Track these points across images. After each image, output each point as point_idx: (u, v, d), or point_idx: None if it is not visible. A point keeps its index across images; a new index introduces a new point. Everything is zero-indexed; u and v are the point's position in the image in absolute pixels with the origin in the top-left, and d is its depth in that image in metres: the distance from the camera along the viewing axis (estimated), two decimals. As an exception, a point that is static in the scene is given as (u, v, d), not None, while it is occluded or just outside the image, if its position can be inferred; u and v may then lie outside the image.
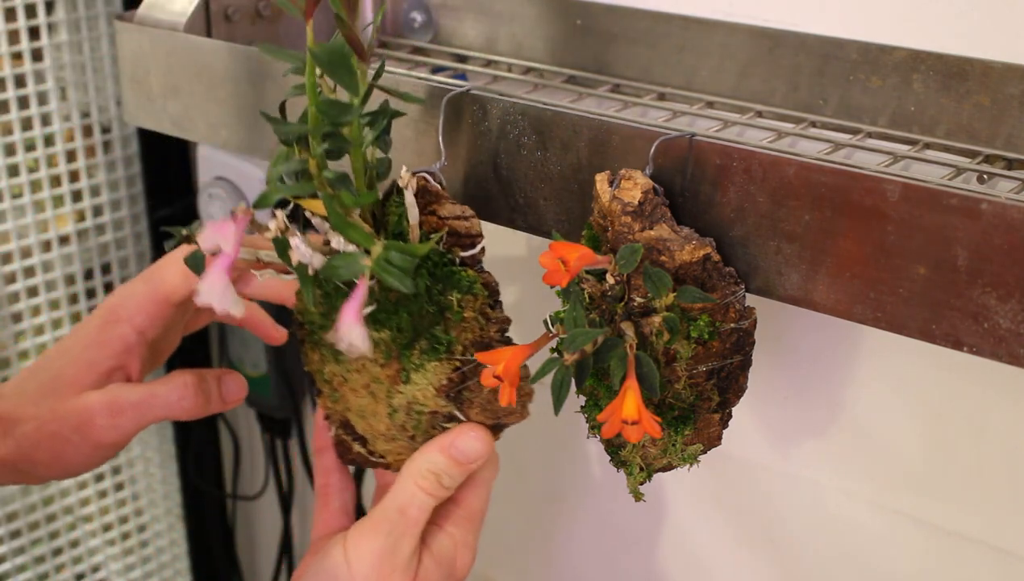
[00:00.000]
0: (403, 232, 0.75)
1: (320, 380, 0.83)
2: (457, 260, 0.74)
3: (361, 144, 0.71)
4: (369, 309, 0.76)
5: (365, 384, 0.80)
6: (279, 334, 0.92)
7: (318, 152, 0.69)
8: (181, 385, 0.84)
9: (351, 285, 0.71)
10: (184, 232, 0.75)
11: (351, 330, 0.67)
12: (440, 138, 0.78)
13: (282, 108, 0.74)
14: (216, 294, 0.68)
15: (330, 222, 0.71)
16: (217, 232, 0.68)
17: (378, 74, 0.73)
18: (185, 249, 0.76)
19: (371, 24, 0.75)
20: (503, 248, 0.98)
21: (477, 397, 0.77)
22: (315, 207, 0.73)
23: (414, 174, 0.75)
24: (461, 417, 0.78)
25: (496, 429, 0.79)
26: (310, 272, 0.72)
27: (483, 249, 0.75)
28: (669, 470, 0.76)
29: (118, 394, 0.83)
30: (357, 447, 0.84)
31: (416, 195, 0.74)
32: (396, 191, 0.76)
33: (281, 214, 0.71)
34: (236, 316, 0.69)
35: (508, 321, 0.76)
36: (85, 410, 0.82)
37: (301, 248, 0.71)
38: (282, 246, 0.72)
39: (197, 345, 1.41)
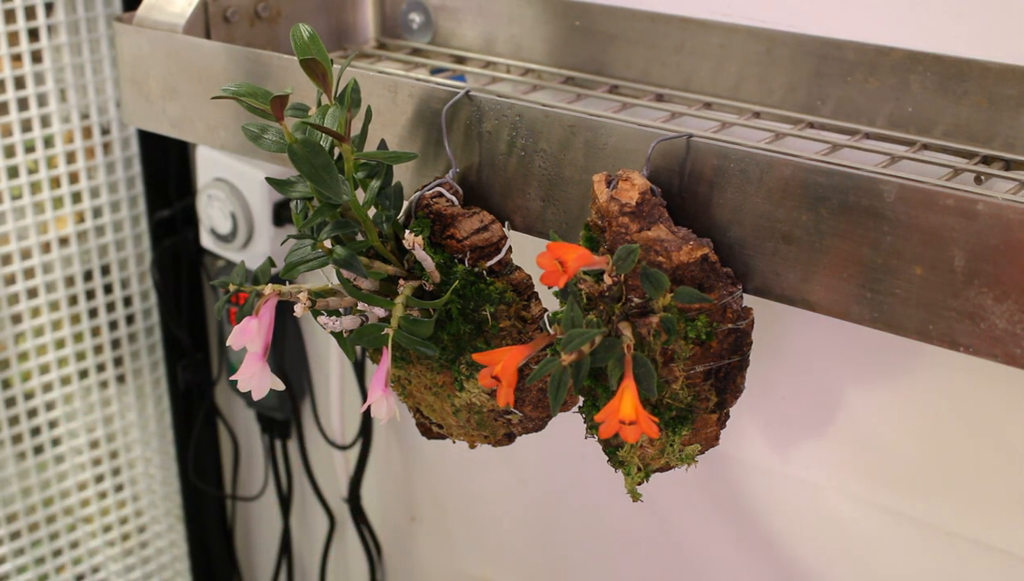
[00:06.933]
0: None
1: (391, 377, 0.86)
2: (484, 273, 0.75)
3: (363, 208, 0.74)
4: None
5: (427, 386, 0.83)
6: None
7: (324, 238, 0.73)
8: None
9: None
10: (233, 287, 0.77)
11: (378, 404, 0.74)
12: (448, 148, 0.79)
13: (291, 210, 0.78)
14: (255, 382, 0.75)
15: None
16: (244, 335, 0.74)
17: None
18: None
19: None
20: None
21: (528, 396, 0.79)
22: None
23: (426, 188, 0.77)
24: (518, 413, 0.80)
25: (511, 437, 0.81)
26: (344, 335, 0.76)
27: (509, 249, 0.76)
28: (667, 470, 0.76)
29: None
30: (436, 429, 0.87)
31: (432, 221, 0.76)
32: (413, 214, 0.78)
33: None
34: (278, 389, 0.76)
35: (544, 312, 0.77)
36: None
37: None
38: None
39: (198, 347, 1.42)
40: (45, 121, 1.23)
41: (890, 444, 0.92)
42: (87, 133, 1.27)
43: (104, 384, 1.37)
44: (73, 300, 1.31)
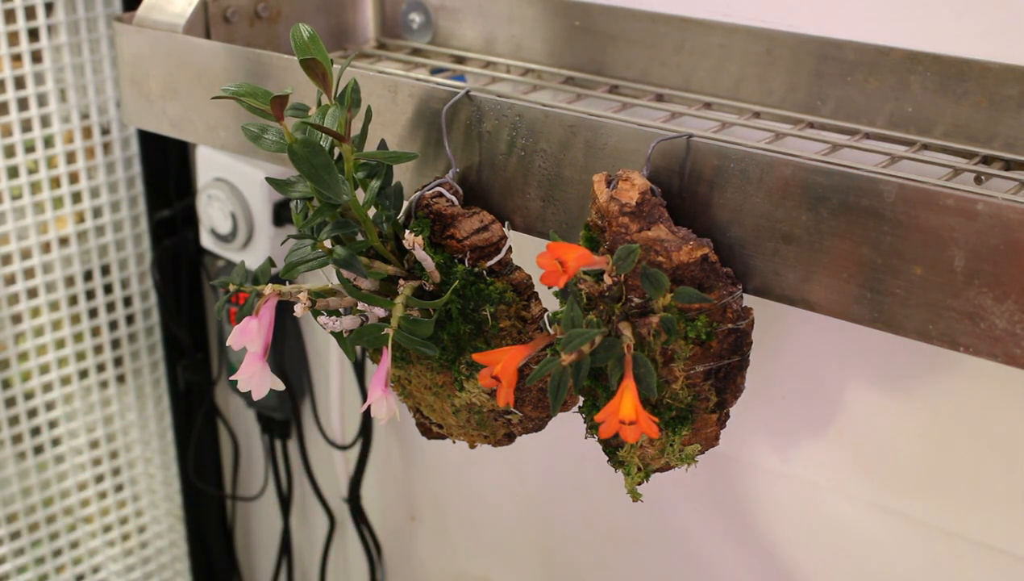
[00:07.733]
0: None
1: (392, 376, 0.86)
2: (484, 273, 0.75)
3: (363, 208, 0.74)
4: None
5: (427, 386, 0.83)
6: None
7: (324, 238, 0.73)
8: None
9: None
10: (233, 287, 0.77)
11: (378, 404, 0.74)
12: (448, 148, 0.79)
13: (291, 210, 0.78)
14: (255, 382, 0.75)
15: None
16: (243, 335, 0.73)
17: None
18: None
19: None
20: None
21: (528, 396, 0.79)
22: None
23: (426, 188, 0.77)
24: (518, 413, 0.80)
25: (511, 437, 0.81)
26: (344, 335, 0.76)
27: (509, 249, 0.77)
28: (667, 470, 0.76)
29: None
30: (436, 429, 0.87)
31: (432, 221, 0.76)
32: (413, 214, 0.78)
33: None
34: (278, 389, 0.76)
35: (544, 312, 0.77)
36: None
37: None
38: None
39: (198, 347, 1.42)
40: (45, 121, 1.23)
41: (890, 444, 0.92)
42: (87, 133, 1.27)
43: (104, 384, 1.37)
44: (73, 300, 1.31)
